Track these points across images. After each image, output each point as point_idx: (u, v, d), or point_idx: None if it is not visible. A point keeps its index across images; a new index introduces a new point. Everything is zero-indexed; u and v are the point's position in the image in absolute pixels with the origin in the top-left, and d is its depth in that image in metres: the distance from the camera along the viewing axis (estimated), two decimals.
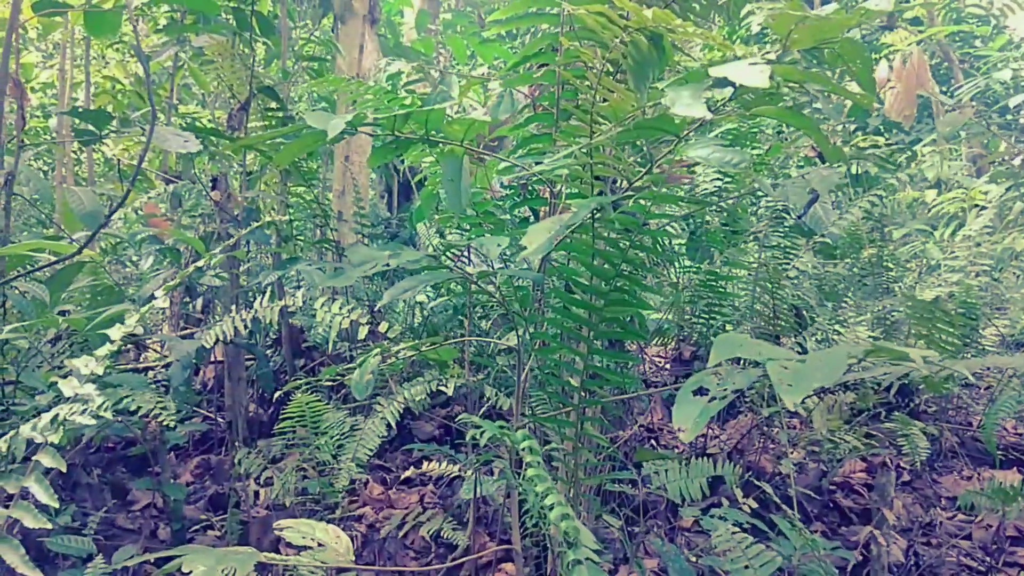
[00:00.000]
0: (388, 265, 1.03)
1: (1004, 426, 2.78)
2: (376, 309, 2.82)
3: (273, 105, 2.54)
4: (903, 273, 3.26)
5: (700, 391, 1.02)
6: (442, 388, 2.10)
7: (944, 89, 5.59)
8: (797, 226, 2.76)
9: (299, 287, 3.05)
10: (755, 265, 2.44)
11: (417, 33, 3.40)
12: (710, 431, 2.63)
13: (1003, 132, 5.76)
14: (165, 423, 1.89)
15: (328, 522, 2.28)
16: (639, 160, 1.83)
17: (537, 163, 1.22)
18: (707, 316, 2.21)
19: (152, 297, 2.56)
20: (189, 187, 2.88)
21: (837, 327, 2.65)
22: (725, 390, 0.99)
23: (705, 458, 1.92)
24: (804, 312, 2.68)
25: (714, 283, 2.14)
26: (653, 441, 2.67)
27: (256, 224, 2.09)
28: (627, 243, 1.17)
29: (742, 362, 1.02)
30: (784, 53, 1.03)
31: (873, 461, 2.40)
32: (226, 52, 2.61)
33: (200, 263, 1.53)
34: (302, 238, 3.15)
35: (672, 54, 0.94)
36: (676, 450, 2.57)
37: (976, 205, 3.60)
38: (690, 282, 2.55)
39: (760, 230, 2.97)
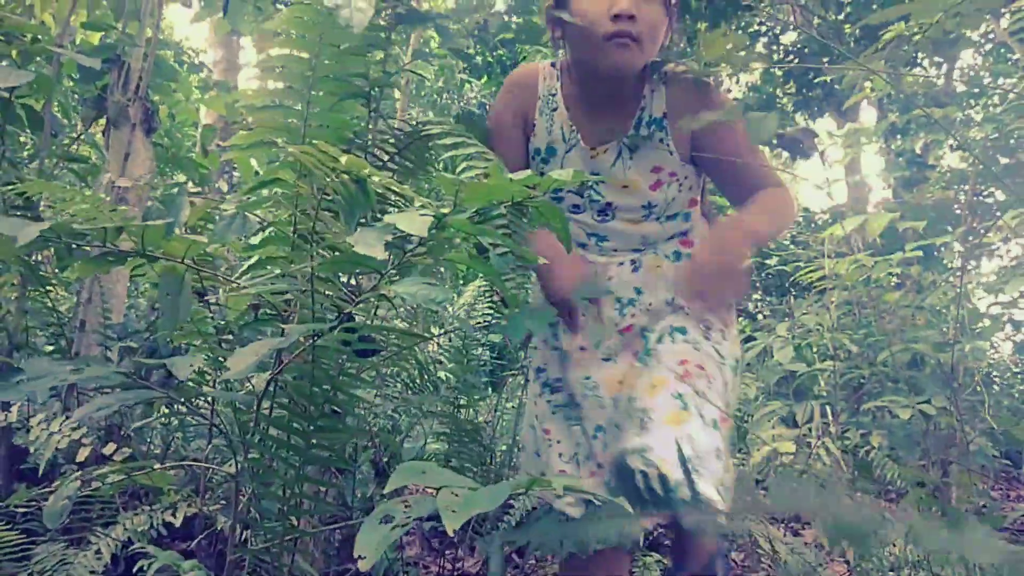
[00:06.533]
0: (66, 380, 0.98)
1: None
2: (123, 430, 2.60)
3: (18, 203, 2.37)
4: None
5: (386, 519, 1.04)
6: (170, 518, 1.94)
7: None
8: None
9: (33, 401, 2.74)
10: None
11: (202, 149, 3.37)
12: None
13: None
14: None
15: None
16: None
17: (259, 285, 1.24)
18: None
19: None
20: None
21: None
22: (408, 518, 1.02)
23: None
24: None
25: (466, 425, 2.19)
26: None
27: None
28: (337, 370, 1.19)
29: None
30: (482, 209, 1.15)
31: None
32: None
33: None
34: (52, 348, 2.87)
35: (373, 198, 1.03)
36: None
37: None
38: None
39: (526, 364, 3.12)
